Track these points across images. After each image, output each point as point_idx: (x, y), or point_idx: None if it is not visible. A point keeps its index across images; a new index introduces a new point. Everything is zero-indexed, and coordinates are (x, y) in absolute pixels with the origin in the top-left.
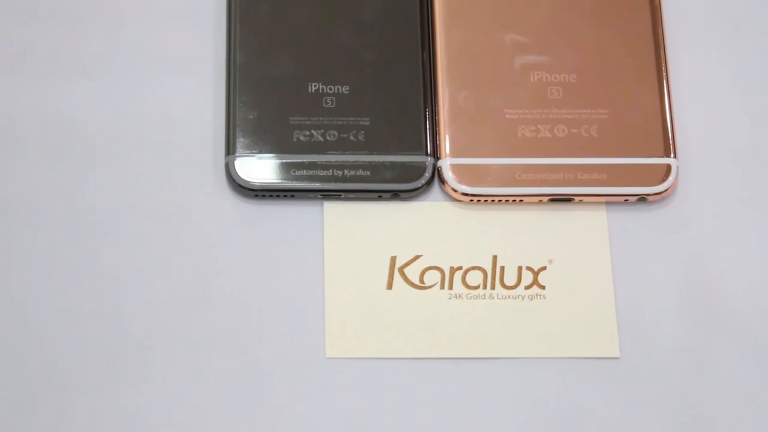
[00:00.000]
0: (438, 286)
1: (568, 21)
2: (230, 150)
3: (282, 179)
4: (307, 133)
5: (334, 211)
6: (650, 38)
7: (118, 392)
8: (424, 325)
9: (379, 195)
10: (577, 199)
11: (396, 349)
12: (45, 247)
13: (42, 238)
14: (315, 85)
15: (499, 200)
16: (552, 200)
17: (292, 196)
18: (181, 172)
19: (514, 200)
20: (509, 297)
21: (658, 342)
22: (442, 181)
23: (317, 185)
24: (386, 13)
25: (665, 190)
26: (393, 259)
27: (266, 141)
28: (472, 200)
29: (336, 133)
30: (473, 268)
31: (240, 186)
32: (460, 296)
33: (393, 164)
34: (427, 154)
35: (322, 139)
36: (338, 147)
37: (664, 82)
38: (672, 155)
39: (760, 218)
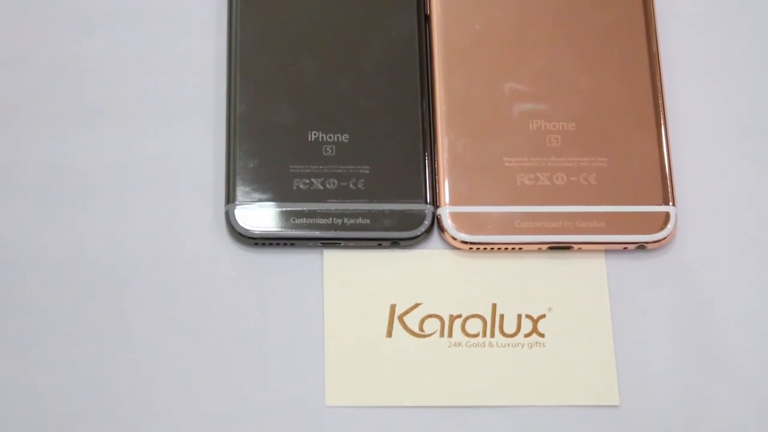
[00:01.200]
0: (437, 334)
1: (566, 69)
2: (230, 198)
3: (282, 227)
4: (307, 181)
5: (334, 259)
6: (648, 86)
7: None
8: (423, 373)
9: (379, 243)
10: (576, 247)
11: (396, 397)
12: (44, 296)
13: (41, 287)
14: (315, 134)
15: (499, 248)
16: (551, 248)
17: (292, 244)
18: (182, 220)
19: (513, 248)
20: (509, 345)
21: (657, 390)
22: (441, 229)
23: (317, 233)
24: (386, 62)
25: (664, 238)
26: (393, 307)
27: (266, 189)
28: (471, 248)
29: (336, 181)
30: (473, 316)
31: (240, 234)
32: (459, 344)
33: (392, 212)
34: (426, 202)
35: (321, 188)
36: (338, 195)
37: (663, 129)
38: (671, 203)
39: (760, 266)
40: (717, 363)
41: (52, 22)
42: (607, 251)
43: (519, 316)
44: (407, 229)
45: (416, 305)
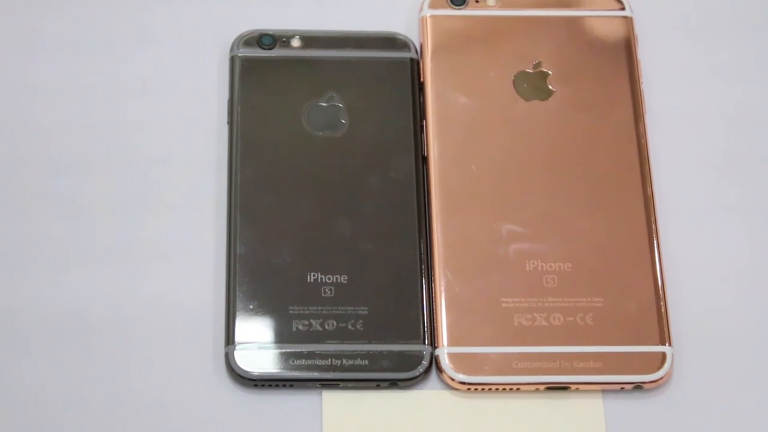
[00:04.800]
0: None
1: (562, 210)
2: (230, 340)
3: (281, 369)
4: (306, 322)
5: (333, 400)
6: (644, 227)
7: None
8: None
9: (378, 384)
10: (573, 387)
11: None
12: None
13: (42, 429)
14: (314, 275)
15: (497, 389)
16: (548, 388)
17: (291, 385)
18: (181, 362)
19: (511, 389)
20: None
21: None
22: (439, 369)
23: (316, 375)
24: (384, 203)
25: (660, 378)
26: None
27: (265, 331)
28: (469, 389)
29: (335, 322)
30: None
31: (239, 376)
32: None
33: (391, 353)
34: (424, 342)
35: (320, 329)
36: (337, 336)
37: (658, 270)
38: (667, 343)
39: (757, 406)
40: None
41: (49, 165)
42: (604, 391)
43: None
44: (405, 370)
45: None
